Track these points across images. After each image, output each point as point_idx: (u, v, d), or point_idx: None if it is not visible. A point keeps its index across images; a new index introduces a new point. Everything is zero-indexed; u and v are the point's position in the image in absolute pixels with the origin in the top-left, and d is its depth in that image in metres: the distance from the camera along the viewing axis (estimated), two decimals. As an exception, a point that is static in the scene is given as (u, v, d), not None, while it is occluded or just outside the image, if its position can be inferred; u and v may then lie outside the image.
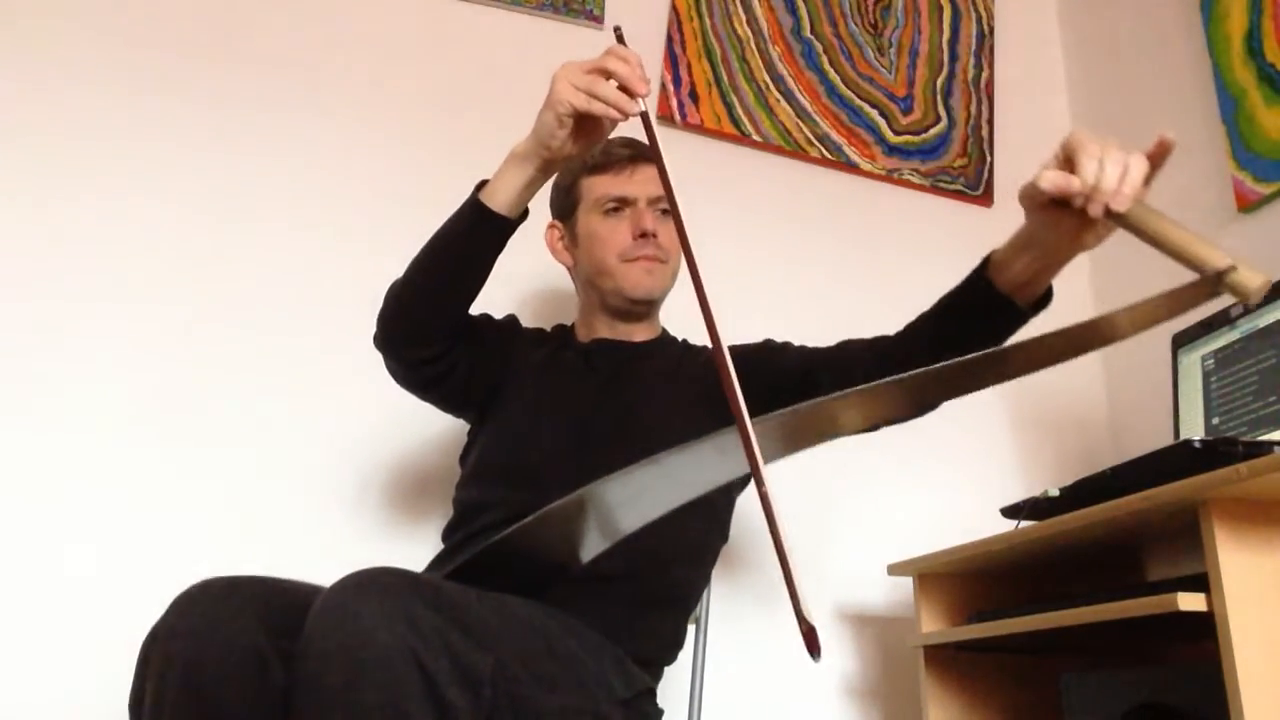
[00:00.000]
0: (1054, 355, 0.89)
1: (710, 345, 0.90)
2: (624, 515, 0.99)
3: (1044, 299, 1.09)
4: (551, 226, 1.46)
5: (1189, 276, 0.84)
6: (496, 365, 1.38)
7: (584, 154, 1.20)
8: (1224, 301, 1.60)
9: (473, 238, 1.22)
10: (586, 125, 1.13)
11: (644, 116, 1.07)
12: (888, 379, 0.88)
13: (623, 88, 1.09)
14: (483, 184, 1.23)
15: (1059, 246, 1.00)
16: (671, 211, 1.03)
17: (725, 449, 0.91)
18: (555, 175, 1.42)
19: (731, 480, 1.34)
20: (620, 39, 1.14)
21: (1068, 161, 0.91)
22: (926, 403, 1.19)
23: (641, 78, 1.08)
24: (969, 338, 1.14)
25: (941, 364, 0.88)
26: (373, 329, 1.30)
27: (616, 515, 0.99)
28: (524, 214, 1.24)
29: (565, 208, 1.44)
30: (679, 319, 1.49)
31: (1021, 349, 0.88)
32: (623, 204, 1.38)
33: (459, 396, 1.38)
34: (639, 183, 1.39)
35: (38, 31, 1.65)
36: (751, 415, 1.31)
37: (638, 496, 0.96)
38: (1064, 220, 0.95)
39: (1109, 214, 0.88)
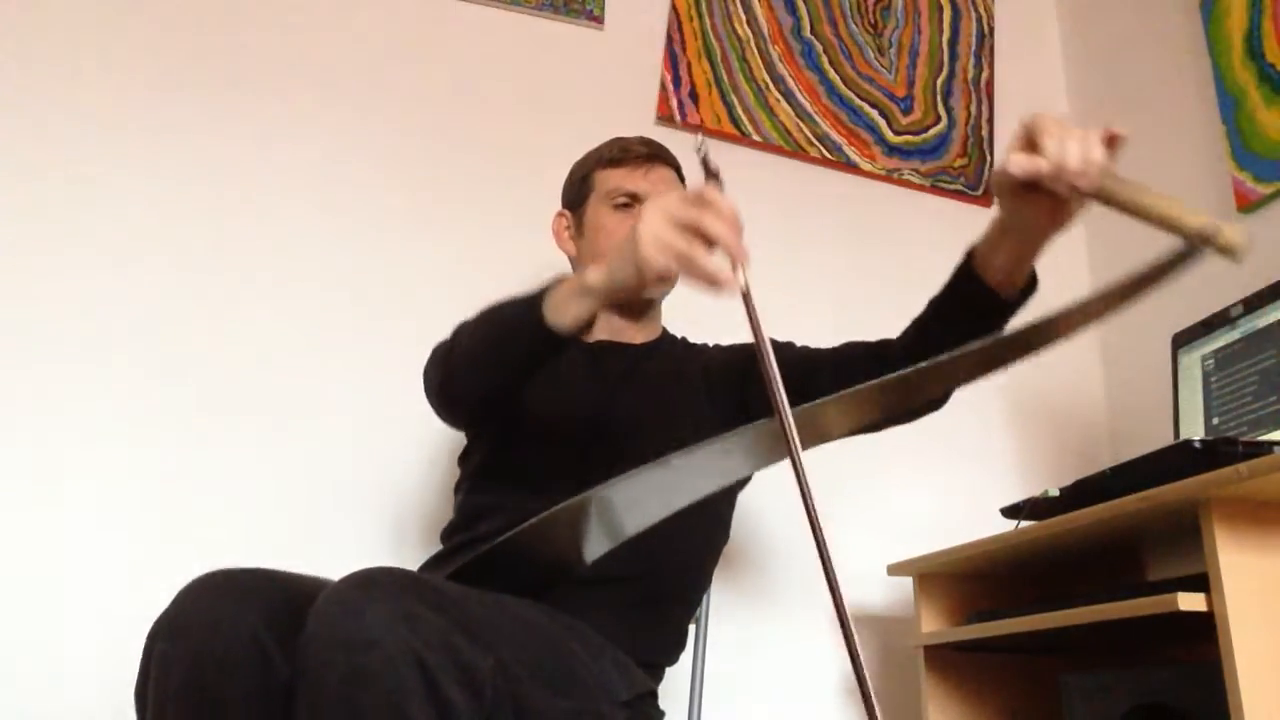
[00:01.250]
0: (1027, 346, 0.90)
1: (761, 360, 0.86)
2: (630, 516, 0.98)
3: (1030, 286, 1.08)
4: (559, 214, 1.46)
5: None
6: None
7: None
8: (1219, 298, 1.61)
9: (533, 351, 1.16)
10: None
11: (744, 295, 0.87)
12: (865, 384, 0.88)
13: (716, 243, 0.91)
14: (545, 288, 1.12)
15: (1036, 228, 1.00)
16: (762, 362, 0.84)
17: (731, 450, 0.90)
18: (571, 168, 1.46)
19: (736, 482, 1.34)
20: (712, 174, 0.95)
21: (1030, 144, 0.92)
22: (912, 404, 1.17)
23: (741, 243, 0.91)
24: (965, 336, 1.13)
25: (911, 369, 0.88)
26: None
27: (622, 517, 0.98)
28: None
29: (576, 197, 1.43)
30: (683, 317, 1.50)
31: (998, 344, 0.88)
32: (633, 200, 1.38)
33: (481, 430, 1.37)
34: (652, 181, 1.39)
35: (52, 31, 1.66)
36: (751, 410, 1.32)
37: (644, 498, 0.95)
38: (1038, 202, 0.95)
39: (1080, 191, 0.89)
